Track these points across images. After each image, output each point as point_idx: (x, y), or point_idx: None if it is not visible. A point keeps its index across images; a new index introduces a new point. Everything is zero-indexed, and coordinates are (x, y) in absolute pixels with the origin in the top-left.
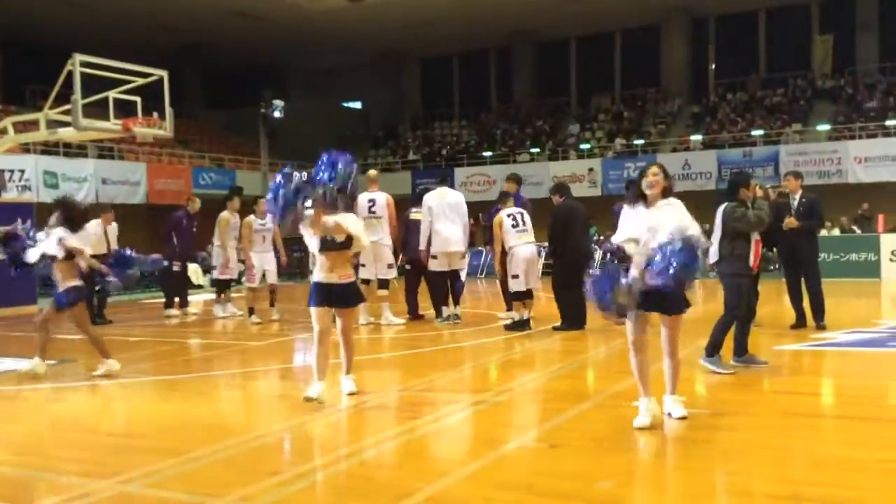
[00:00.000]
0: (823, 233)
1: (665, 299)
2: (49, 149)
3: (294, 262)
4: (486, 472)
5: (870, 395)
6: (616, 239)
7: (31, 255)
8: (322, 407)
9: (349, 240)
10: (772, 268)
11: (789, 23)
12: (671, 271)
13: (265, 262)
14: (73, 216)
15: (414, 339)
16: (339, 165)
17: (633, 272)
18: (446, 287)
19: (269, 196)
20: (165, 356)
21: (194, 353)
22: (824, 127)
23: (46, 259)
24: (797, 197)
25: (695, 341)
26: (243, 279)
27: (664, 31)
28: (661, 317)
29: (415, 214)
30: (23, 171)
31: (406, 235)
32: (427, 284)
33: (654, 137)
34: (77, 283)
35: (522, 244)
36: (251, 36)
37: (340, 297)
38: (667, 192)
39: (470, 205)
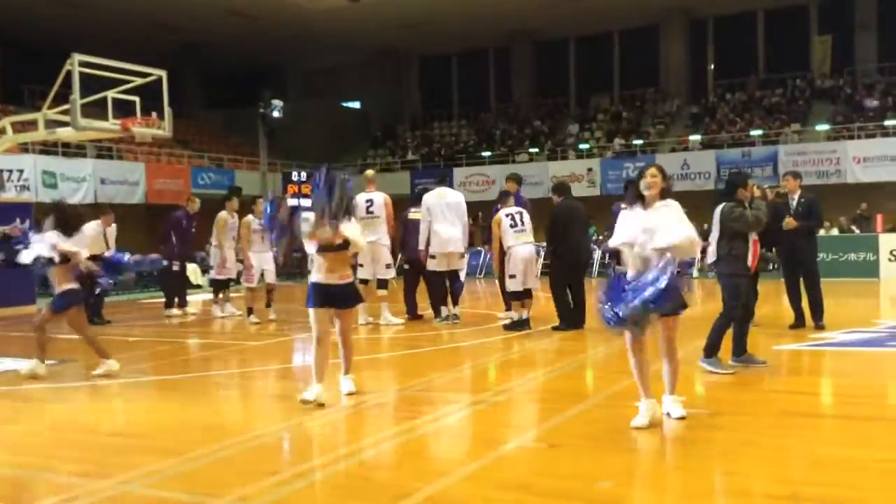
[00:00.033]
0: (822, 233)
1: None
2: (48, 149)
3: (293, 262)
4: (486, 472)
5: (869, 394)
6: (612, 242)
7: (25, 257)
8: (321, 407)
9: (347, 241)
10: (770, 268)
11: (788, 23)
12: (644, 296)
13: (264, 261)
14: (67, 220)
15: (413, 339)
16: (336, 190)
17: (630, 274)
18: (445, 287)
19: (266, 223)
20: (164, 356)
21: (193, 353)
22: (823, 127)
23: (41, 261)
24: (796, 197)
25: (693, 342)
26: (242, 279)
27: (663, 32)
28: (658, 318)
29: (413, 214)
30: (21, 171)
31: (405, 235)
32: (425, 284)
33: (652, 137)
34: (73, 286)
35: (520, 244)
36: (250, 35)
37: (339, 298)
38: (665, 194)
39: (469, 205)
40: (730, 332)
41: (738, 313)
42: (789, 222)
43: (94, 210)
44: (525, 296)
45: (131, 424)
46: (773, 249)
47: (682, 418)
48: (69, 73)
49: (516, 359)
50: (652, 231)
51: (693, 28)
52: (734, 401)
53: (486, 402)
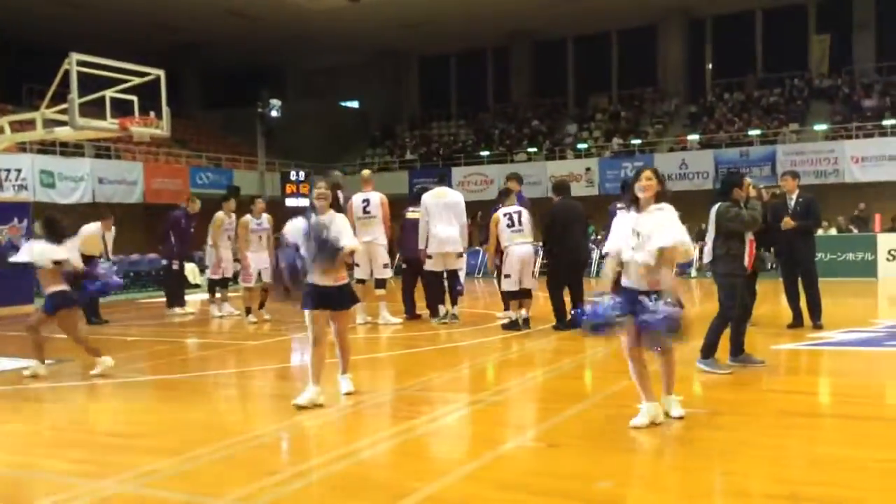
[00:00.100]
0: (820, 232)
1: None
2: (46, 148)
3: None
4: (484, 472)
5: (867, 394)
6: (606, 249)
7: (17, 257)
8: (319, 407)
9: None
10: (768, 267)
11: (786, 23)
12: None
13: (261, 262)
14: (55, 230)
15: (411, 339)
16: (324, 240)
17: (624, 280)
18: (442, 287)
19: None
20: (163, 356)
21: (191, 353)
22: (821, 127)
23: (29, 266)
24: (794, 197)
25: (690, 342)
26: (239, 279)
27: (661, 31)
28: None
29: (411, 214)
30: (19, 171)
31: (403, 235)
32: (423, 284)
33: (651, 137)
34: (61, 287)
35: (517, 244)
36: (250, 35)
37: (334, 300)
38: (660, 197)
39: (467, 204)
40: (727, 332)
41: (734, 313)
42: (787, 222)
43: (93, 209)
44: (523, 295)
45: (130, 424)
46: (772, 249)
47: (681, 418)
48: (67, 73)
49: (515, 358)
50: (648, 236)
51: (691, 28)
52: (732, 401)
53: (484, 402)
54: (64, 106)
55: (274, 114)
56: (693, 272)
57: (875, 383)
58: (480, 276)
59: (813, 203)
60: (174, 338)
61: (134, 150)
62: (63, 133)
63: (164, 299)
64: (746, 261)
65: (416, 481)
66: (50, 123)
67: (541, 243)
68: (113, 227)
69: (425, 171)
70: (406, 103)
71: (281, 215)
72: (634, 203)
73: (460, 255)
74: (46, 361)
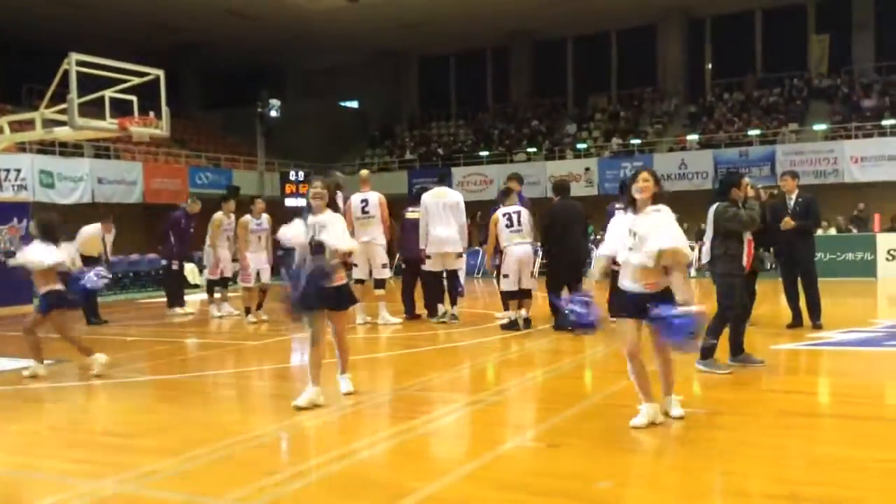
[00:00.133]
0: (820, 232)
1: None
2: (45, 148)
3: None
4: (484, 472)
5: (867, 394)
6: (600, 251)
7: (16, 260)
8: (319, 407)
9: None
10: (768, 267)
11: (786, 22)
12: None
13: (260, 262)
14: (49, 232)
15: (411, 339)
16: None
17: (622, 282)
18: (441, 287)
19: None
20: (162, 356)
21: (191, 353)
22: (821, 127)
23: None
24: (793, 197)
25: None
26: (238, 279)
27: (661, 31)
28: (649, 326)
29: (411, 214)
30: (19, 171)
31: (402, 235)
32: (421, 284)
33: (650, 137)
34: (55, 287)
35: (515, 244)
36: (249, 35)
37: (332, 300)
38: (657, 199)
39: (466, 204)
40: (726, 332)
41: (732, 314)
42: (787, 222)
43: (92, 209)
44: (522, 296)
45: (130, 424)
46: (771, 249)
47: (681, 418)
48: (67, 73)
49: (515, 358)
50: (644, 238)
51: (691, 27)
52: (732, 400)
53: (484, 402)
54: (63, 106)
55: (273, 114)
56: (692, 272)
57: (875, 383)
58: (480, 276)
59: (812, 203)
60: (174, 338)
61: (133, 150)
62: (62, 133)
63: (163, 299)
64: (745, 261)
65: (416, 481)
66: (49, 123)
67: (539, 243)
68: (113, 229)
69: (425, 171)
70: (405, 103)
71: (280, 215)
72: (632, 204)
73: (459, 255)
74: (46, 362)
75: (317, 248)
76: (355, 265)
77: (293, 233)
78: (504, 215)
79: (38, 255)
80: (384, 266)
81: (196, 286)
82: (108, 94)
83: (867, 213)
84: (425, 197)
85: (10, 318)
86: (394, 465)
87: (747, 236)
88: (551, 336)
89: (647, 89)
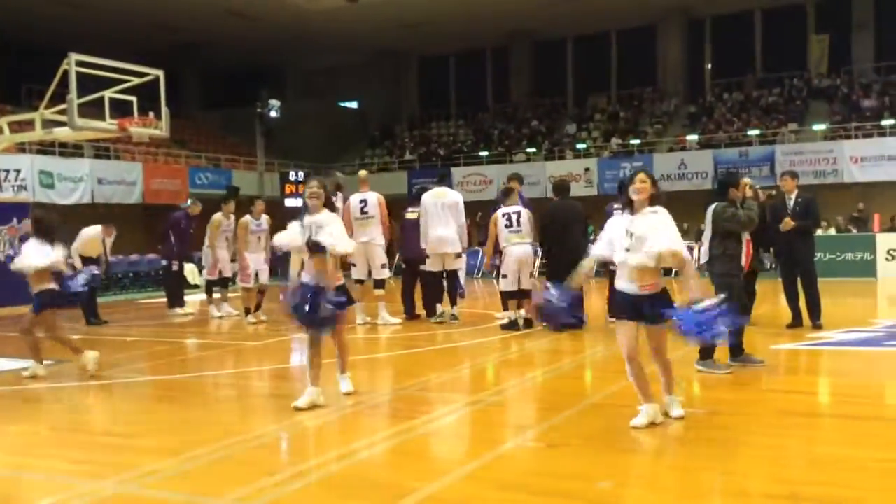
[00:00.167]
0: (819, 232)
1: (648, 308)
2: (45, 148)
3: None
4: (484, 472)
5: (867, 394)
6: (593, 251)
7: (18, 263)
8: (319, 407)
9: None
10: (768, 268)
11: (785, 23)
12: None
13: (259, 262)
14: (46, 229)
15: (410, 339)
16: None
17: (619, 283)
18: (441, 287)
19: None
20: (162, 356)
21: (191, 353)
22: (820, 127)
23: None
24: (793, 197)
25: (688, 343)
26: (237, 279)
27: (661, 31)
28: (646, 328)
29: (410, 214)
30: (18, 171)
31: (402, 235)
32: (421, 284)
33: (650, 137)
34: (48, 286)
35: (514, 244)
36: (249, 35)
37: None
38: (654, 200)
39: (466, 205)
40: None
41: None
42: (787, 223)
43: (92, 210)
44: (522, 296)
45: (130, 424)
46: (771, 249)
47: (681, 418)
48: (66, 73)
49: (515, 359)
50: (642, 239)
51: (691, 27)
52: (732, 400)
53: (484, 402)
54: (63, 106)
55: (273, 114)
56: None
57: (874, 383)
58: (479, 276)
59: (812, 203)
60: (174, 338)
61: (133, 150)
62: (62, 133)
63: (163, 300)
64: (743, 261)
65: (416, 481)
66: (49, 124)
67: (538, 244)
68: (114, 233)
69: (424, 171)
70: (405, 103)
71: (280, 216)
72: (629, 205)
73: (459, 255)
74: (45, 362)
75: (314, 247)
76: (354, 265)
77: (288, 237)
78: (504, 215)
79: (31, 259)
80: (383, 266)
81: (196, 286)
82: (107, 94)
83: (867, 213)
84: (425, 197)
85: (9, 318)
86: (394, 465)
87: (746, 236)
88: (551, 336)
89: (646, 89)
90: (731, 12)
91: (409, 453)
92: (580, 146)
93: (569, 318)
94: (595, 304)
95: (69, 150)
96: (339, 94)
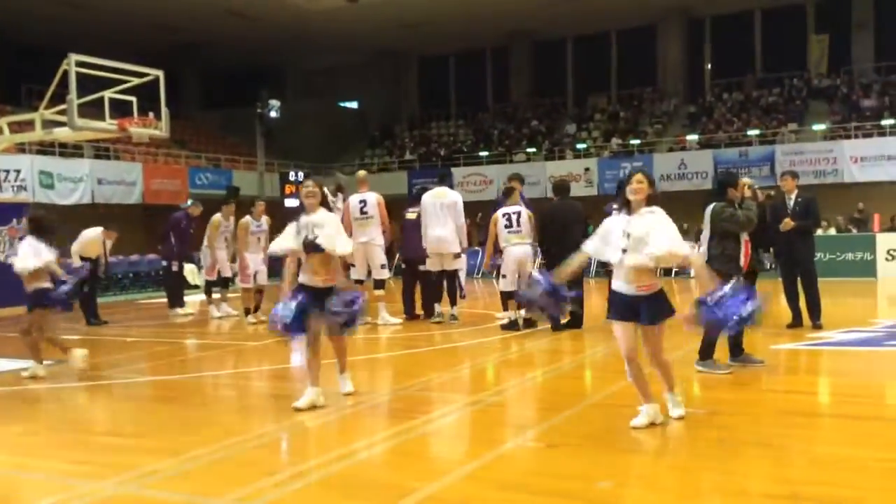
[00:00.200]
0: (819, 232)
1: (645, 309)
2: (45, 149)
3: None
4: (484, 472)
5: (867, 394)
6: (584, 247)
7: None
8: (319, 407)
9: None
10: (768, 268)
11: (785, 23)
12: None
13: (257, 263)
14: (42, 226)
15: (411, 339)
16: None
17: (615, 284)
18: (440, 287)
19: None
20: (162, 356)
21: (191, 354)
22: (820, 127)
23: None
24: (793, 197)
25: (689, 343)
26: (237, 280)
27: (660, 31)
28: (642, 329)
29: (410, 214)
30: (18, 171)
31: (403, 235)
32: (420, 284)
33: (650, 137)
34: (42, 285)
35: (513, 244)
36: (249, 35)
37: (323, 300)
38: (651, 201)
39: (466, 205)
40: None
41: None
42: (787, 223)
43: (92, 210)
44: None
45: (130, 424)
46: (771, 249)
47: (681, 418)
48: (66, 73)
49: (515, 359)
50: (640, 239)
51: (690, 27)
52: (732, 400)
53: (484, 402)
54: (63, 107)
55: (273, 114)
56: (692, 272)
57: (875, 383)
58: (479, 276)
59: (812, 203)
60: (174, 339)
61: (133, 150)
62: (62, 134)
63: (163, 300)
64: (742, 261)
65: (416, 481)
66: (49, 124)
67: (538, 244)
68: (115, 236)
69: (424, 171)
70: (405, 103)
71: (280, 216)
72: (626, 206)
73: (457, 255)
74: (45, 362)
75: (311, 247)
76: (353, 265)
77: (280, 246)
78: (504, 215)
79: (24, 261)
80: (383, 266)
81: (196, 287)
82: (107, 94)
83: (867, 213)
84: (425, 197)
85: (9, 318)
86: (394, 465)
87: (744, 236)
88: (551, 336)
89: (646, 89)
90: (730, 12)
91: (409, 453)
92: (580, 146)
93: (555, 310)
94: (595, 304)
95: (69, 150)
96: (339, 94)
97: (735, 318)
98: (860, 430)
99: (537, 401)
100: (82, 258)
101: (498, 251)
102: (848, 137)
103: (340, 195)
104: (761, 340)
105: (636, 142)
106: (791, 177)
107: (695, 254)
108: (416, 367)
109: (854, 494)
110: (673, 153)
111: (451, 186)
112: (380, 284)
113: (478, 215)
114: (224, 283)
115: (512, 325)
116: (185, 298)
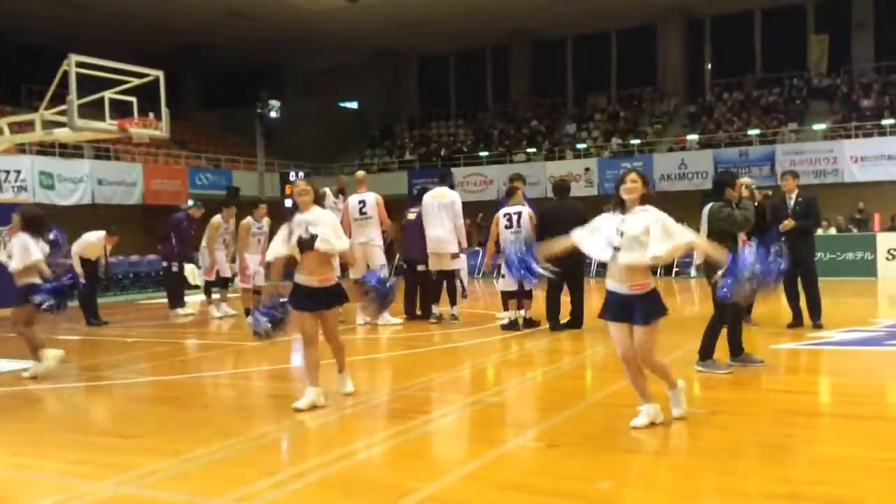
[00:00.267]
0: (820, 232)
1: (639, 308)
2: (45, 149)
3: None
4: (485, 472)
5: (867, 393)
6: (572, 236)
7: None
8: (319, 407)
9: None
10: None
11: (785, 22)
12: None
13: (256, 264)
14: (35, 223)
15: (411, 339)
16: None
17: (609, 283)
18: (438, 287)
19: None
20: (162, 356)
21: (191, 354)
22: (820, 126)
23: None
24: (793, 196)
25: (688, 343)
26: (237, 280)
27: (661, 31)
28: (634, 328)
29: (410, 214)
30: (18, 172)
31: (403, 235)
32: (420, 285)
33: (650, 137)
34: (32, 281)
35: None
36: (249, 35)
37: (319, 300)
38: (645, 200)
39: (466, 205)
40: (724, 333)
41: (729, 315)
42: (787, 223)
43: (92, 210)
44: (522, 296)
45: (129, 425)
46: (771, 249)
47: (681, 418)
48: (66, 74)
49: (515, 359)
50: (631, 238)
51: (691, 27)
52: (732, 400)
53: (484, 402)
54: (63, 107)
55: (273, 114)
56: (693, 272)
57: (875, 383)
58: (480, 276)
59: (812, 203)
60: (174, 339)
61: (133, 151)
62: (62, 134)
63: (163, 300)
64: None
65: (416, 481)
66: (49, 124)
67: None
68: (116, 240)
69: (424, 171)
70: (405, 103)
71: (280, 216)
72: (620, 205)
73: (456, 255)
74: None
75: (306, 245)
76: (352, 265)
77: (274, 251)
78: (505, 216)
79: (15, 261)
80: (382, 267)
81: (196, 287)
82: (107, 95)
83: (867, 213)
84: (425, 197)
85: (9, 319)
86: (394, 465)
87: (742, 237)
88: (551, 336)
89: (646, 89)
90: (730, 12)
91: (408, 453)
92: (580, 146)
93: (529, 275)
94: (595, 304)
95: (69, 150)
96: (339, 94)
97: (774, 269)
98: (861, 429)
99: (537, 401)
100: (82, 259)
101: (498, 251)
102: (848, 137)
103: (342, 196)
104: (761, 340)
105: (636, 142)
106: (791, 176)
107: (695, 238)
108: (417, 367)
109: (854, 494)
110: (673, 153)
111: (452, 186)
112: None
113: (479, 216)
114: (223, 283)
115: (512, 325)
116: (186, 299)
